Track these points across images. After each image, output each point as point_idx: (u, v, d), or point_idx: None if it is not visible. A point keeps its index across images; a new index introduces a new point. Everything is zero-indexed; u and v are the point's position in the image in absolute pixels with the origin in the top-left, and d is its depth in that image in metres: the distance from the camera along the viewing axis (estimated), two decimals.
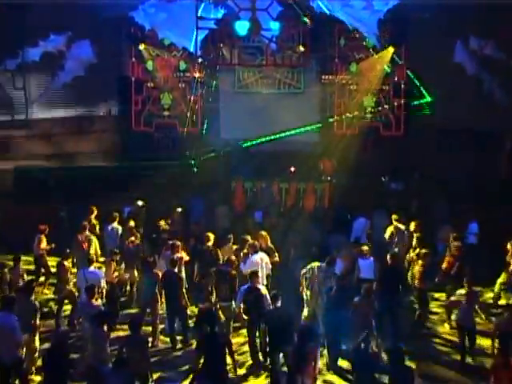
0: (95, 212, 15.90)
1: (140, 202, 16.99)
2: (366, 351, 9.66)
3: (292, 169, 19.40)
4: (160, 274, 12.43)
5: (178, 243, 13.54)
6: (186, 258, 13.68)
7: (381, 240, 15.12)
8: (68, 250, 13.86)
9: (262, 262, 12.98)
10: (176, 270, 12.60)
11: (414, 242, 14.39)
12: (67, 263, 13.38)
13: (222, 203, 17.71)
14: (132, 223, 15.18)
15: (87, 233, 14.83)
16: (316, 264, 12.26)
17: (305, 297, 12.24)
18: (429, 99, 20.09)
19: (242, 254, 13.34)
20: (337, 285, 11.61)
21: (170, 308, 12.38)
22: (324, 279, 11.99)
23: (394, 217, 15.35)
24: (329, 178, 19.34)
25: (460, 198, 17.37)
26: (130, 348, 9.77)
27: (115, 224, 15.49)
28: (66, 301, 13.15)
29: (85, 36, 20.60)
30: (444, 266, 13.92)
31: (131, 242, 14.42)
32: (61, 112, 21.29)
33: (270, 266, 13.21)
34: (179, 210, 16.65)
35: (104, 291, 12.44)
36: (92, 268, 12.67)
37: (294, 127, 20.39)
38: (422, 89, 20.22)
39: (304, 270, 12.28)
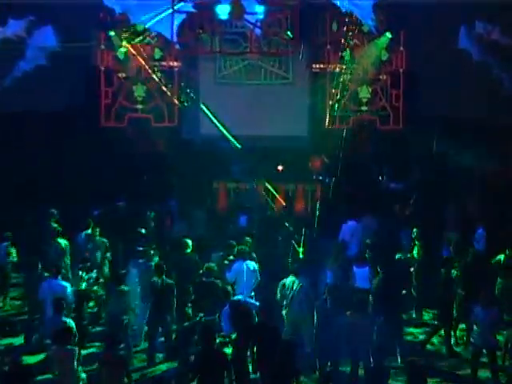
0: (55, 216, 15.82)
1: (120, 203, 16.97)
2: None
3: (279, 168, 19.40)
4: (127, 290, 12.19)
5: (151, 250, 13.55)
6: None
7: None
8: (37, 258, 13.71)
9: (248, 269, 12.95)
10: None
11: (418, 249, 14.45)
12: (40, 272, 13.21)
13: (200, 206, 17.66)
14: (95, 229, 15.14)
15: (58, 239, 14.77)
16: (292, 278, 12.18)
17: (283, 311, 12.16)
18: None
19: (227, 261, 13.33)
20: (329, 296, 11.52)
21: (156, 319, 12.26)
22: (300, 292, 11.96)
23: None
24: (320, 178, 19.37)
25: (464, 198, 17.46)
26: (108, 367, 9.63)
27: (89, 231, 15.40)
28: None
29: (48, 21, 20.40)
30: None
31: (87, 251, 14.39)
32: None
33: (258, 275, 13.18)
34: (150, 214, 16.58)
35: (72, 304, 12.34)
36: (59, 279, 12.50)
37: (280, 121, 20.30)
38: None
39: (280, 285, 12.23)
